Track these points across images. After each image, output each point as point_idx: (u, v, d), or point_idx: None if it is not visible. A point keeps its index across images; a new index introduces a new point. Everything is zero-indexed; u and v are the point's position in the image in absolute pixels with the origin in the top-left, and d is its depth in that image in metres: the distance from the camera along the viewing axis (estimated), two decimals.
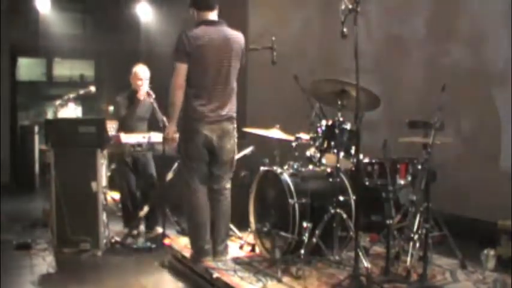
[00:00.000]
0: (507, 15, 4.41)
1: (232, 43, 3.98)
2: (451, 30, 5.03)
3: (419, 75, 5.33)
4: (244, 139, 5.89)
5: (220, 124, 3.97)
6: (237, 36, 4.04)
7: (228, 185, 4.16)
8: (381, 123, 5.52)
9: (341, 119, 3.87)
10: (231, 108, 4.04)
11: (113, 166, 5.70)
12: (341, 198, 3.81)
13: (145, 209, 4.92)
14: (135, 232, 5.02)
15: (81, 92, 5.35)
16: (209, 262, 3.93)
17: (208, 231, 4.03)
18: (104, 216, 4.49)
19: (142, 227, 5.25)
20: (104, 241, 4.47)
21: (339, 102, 3.83)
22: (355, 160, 3.76)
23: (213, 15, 4.00)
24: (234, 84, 4.07)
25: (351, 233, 3.72)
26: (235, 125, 4.11)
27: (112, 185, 5.47)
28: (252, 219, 4.31)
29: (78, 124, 4.52)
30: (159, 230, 4.96)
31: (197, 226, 4.01)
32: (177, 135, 4.07)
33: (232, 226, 4.77)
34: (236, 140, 4.15)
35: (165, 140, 4.13)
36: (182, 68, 3.87)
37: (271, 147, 4.59)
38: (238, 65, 4.07)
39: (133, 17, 9.06)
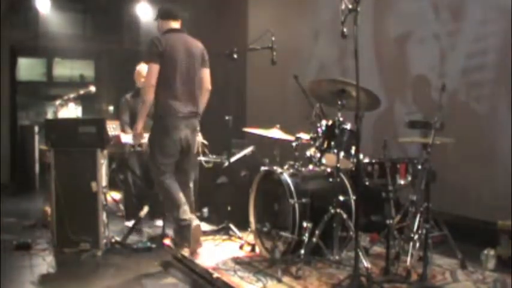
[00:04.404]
0: (507, 17, 4.41)
1: (194, 48, 4.43)
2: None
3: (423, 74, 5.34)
4: (244, 139, 5.90)
5: (191, 120, 4.37)
6: (197, 42, 4.51)
7: (193, 177, 4.58)
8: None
9: (341, 119, 3.87)
10: (197, 105, 4.42)
11: (113, 166, 5.70)
12: (341, 198, 3.81)
13: (146, 209, 4.92)
14: (137, 227, 5.03)
15: (81, 92, 5.34)
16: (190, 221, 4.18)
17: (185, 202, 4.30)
18: (104, 216, 4.48)
19: (143, 228, 5.26)
20: (104, 241, 4.47)
21: (339, 102, 3.84)
22: (355, 160, 3.76)
23: (176, 25, 4.47)
24: (197, 84, 4.44)
25: (351, 233, 3.72)
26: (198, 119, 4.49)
27: (112, 185, 5.46)
28: (252, 219, 4.31)
29: (78, 124, 4.51)
30: (159, 223, 4.97)
31: (174, 200, 4.27)
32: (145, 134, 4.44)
33: (232, 226, 4.78)
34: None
35: (134, 135, 4.45)
36: (155, 68, 4.23)
37: (271, 147, 4.59)
38: (200, 67, 4.46)
39: (133, 17, 9.05)
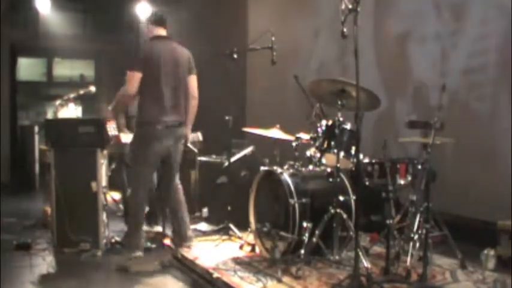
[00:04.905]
0: (508, 17, 4.40)
1: (180, 55, 4.35)
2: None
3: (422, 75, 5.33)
4: (244, 139, 5.90)
5: (175, 129, 4.27)
6: (183, 49, 4.43)
7: (178, 180, 4.50)
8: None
9: (341, 119, 3.87)
10: (182, 114, 4.34)
11: (113, 166, 5.70)
12: (341, 198, 3.81)
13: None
14: None
15: (81, 92, 5.34)
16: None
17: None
18: (104, 216, 4.49)
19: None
20: (104, 241, 4.47)
21: (339, 102, 3.83)
22: (355, 160, 3.76)
23: (163, 32, 4.41)
24: (183, 91, 4.37)
25: (351, 233, 3.72)
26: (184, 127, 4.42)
27: (112, 185, 5.46)
28: (252, 219, 4.30)
29: (78, 124, 4.52)
30: (159, 228, 4.97)
31: (139, 224, 4.30)
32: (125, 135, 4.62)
33: (232, 226, 4.78)
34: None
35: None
36: (137, 76, 4.15)
37: (271, 147, 4.59)
38: (186, 75, 4.38)
39: (133, 17, 9.05)
